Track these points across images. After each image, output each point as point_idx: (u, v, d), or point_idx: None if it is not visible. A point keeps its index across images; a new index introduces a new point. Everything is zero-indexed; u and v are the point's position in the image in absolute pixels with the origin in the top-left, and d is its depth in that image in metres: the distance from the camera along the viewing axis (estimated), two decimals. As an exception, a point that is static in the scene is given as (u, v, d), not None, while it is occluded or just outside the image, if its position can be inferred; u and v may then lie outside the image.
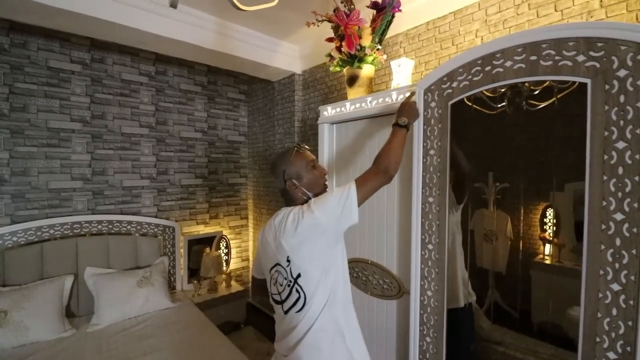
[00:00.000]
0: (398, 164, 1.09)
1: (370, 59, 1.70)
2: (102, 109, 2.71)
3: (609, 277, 0.84)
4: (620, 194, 0.83)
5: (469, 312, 1.33)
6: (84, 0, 1.80)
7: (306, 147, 1.16)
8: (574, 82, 0.93)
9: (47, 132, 2.46)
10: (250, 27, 2.49)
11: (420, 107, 1.27)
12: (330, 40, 1.81)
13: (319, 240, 0.99)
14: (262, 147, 3.36)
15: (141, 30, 2.02)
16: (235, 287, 3.23)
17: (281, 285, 1.04)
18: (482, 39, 1.67)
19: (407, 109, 1.22)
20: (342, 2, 1.78)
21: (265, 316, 3.23)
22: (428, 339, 1.26)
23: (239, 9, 0.89)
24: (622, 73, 0.82)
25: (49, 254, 2.38)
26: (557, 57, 0.92)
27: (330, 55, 1.78)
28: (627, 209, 0.82)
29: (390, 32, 2.09)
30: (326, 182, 1.17)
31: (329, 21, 1.73)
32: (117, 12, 1.92)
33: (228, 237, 3.39)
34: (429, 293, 1.25)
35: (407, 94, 1.37)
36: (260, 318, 3.23)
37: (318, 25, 1.75)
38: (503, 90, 1.15)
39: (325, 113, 1.83)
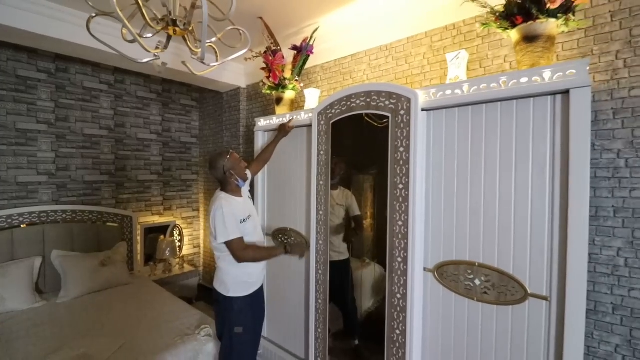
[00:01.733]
0: (251, 261, 1.83)
1: (291, 86, 2.38)
2: (66, 112, 3.08)
3: (399, 227, 1.59)
4: (401, 174, 1.58)
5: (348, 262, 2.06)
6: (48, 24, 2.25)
7: (234, 151, 1.84)
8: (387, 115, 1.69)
9: (16, 133, 2.80)
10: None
11: (315, 124, 1.98)
12: (263, 69, 2.47)
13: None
14: (212, 148, 3.91)
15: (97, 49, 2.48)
16: (188, 268, 3.74)
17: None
18: (367, 76, 2.45)
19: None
20: (271, 43, 2.46)
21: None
22: (320, 277, 1.97)
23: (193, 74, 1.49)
24: (402, 112, 1.59)
25: (18, 239, 2.73)
26: (378, 100, 1.68)
27: (262, 81, 2.44)
28: (403, 181, 1.58)
29: (311, 64, 2.81)
30: (245, 170, 1.92)
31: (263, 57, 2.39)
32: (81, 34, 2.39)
33: (181, 226, 3.88)
34: (321, 243, 1.96)
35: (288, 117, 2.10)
36: (210, 295, 3.76)
37: (253, 60, 2.40)
38: (360, 114, 1.89)
39: (259, 123, 2.48)
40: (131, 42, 1.14)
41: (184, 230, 3.92)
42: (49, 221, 2.93)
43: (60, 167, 3.06)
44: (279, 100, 2.43)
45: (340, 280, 2.01)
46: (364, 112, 1.74)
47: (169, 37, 1.26)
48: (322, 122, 1.96)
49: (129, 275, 3.08)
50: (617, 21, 1.53)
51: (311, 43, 2.40)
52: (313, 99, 2.33)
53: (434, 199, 1.56)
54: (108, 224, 3.28)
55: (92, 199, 3.25)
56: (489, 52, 1.87)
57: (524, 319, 1.31)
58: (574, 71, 1.17)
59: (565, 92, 1.20)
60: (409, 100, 1.57)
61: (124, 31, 1.17)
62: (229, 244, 1.72)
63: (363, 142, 1.89)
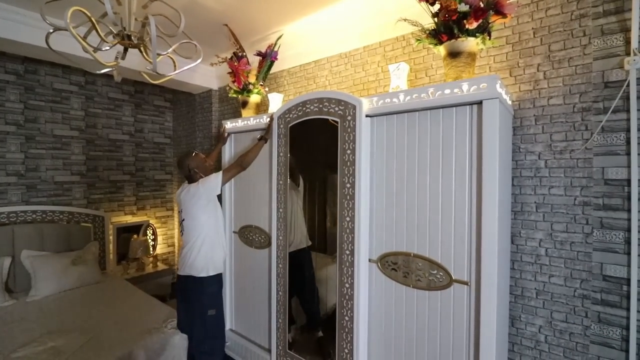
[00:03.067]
0: (251, 162, 2.13)
1: (256, 90, 2.50)
2: (35, 114, 3.11)
3: (347, 222, 1.74)
4: (348, 175, 1.73)
5: (309, 251, 2.20)
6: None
7: (198, 152, 2.01)
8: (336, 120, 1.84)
9: (-17, 134, 2.82)
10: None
11: (275, 127, 2.11)
12: (229, 74, 2.58)
13: (199, 201, 1.91)
14: (185, 149, 3.98)
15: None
16: (162, 267, 3.81)
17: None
18: (329, 81, 2.59)
19: (269, 130, 2.14)
20: (237, 48, 2.57)
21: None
22: (280, 271, 2.10)
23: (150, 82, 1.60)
24: (349, 117, 1.74)
25: (-14, 239, 2.75)
26: (329, 106, 1.82)
27: (228, 85, 2.55)
28: (350, 180, 1.73)
29: (279, 69, 2.93)
30: (212, 169, 2.10)
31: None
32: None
33: (155, 225, 3.94)
34: (280, 238, 2.10)
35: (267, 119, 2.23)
36: (185, 292, 3.84)
37: (220, 65, 2.51)
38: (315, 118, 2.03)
39: (226, 125, 2.59)
40: (95, 50, 1.23)
41: (157, 230, 3.98)
42: (19, 221, 2.95)
43: (30, 167, 3.08)
44: (244, 104, 2.54)
45: (301, 271, 2.16)
46: (317, 117, 1.88)
47: (125, 49, 1.36)
48: (282, 126, 2.09)
49: (100, 274, 3.13)
50: (538, 37, 1.72)
51: (276, 49, 2.53)
52: (276, 102, 2.46)
53: (377, 196, 1.71)
54: (79, 224, 3.31)
55: (63, 200, 3.28)
56: (433, 63, 2.04)
57: (450, 302, 1.48)
58: (486, 84, 1.34)
59: (479, 103, 1.37)
60: (354, 107, 1.71)
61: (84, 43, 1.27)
62: (227, 170, 2.08)
63: (319, 144, 2.04)
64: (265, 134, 2.19)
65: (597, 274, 1.52)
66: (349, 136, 1.74)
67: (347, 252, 1.75)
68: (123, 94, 3.71)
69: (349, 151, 1.74)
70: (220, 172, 2.04)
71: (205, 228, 2.06)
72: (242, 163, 2.09)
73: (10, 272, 2.82)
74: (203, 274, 2.03)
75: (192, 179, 2.11)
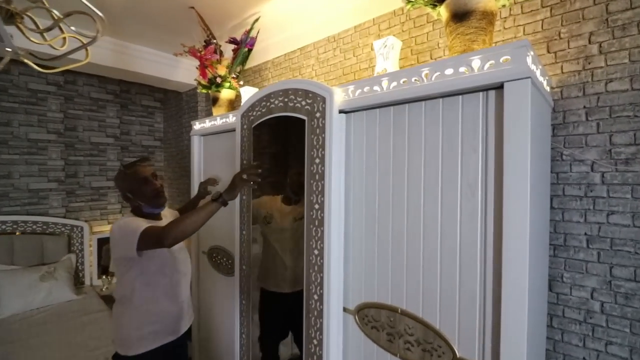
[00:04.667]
0: (183, 238, 1.19)
1: (227, 85, 2.09)
2: (8, 116, 2.87)
3: (315, 257, 1.28)
4: (317, 192, 1.27)
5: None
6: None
7: (142, 163, 1.40)
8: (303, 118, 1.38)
9: (-55, 138, 2.60)
10: (149, 46, 2.80)
11: (238, 128, 1.68)
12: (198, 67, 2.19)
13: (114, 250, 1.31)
14: (174, 152, 3.65)
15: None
16: (148, 281, 3.49)
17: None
18: (315, 71, 2.13)
19: (236, 184, 1.31)
20: (207, 35, 2.17)
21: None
22: (243, 308, 1.67)
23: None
24: (317, 114, 1.28)
25: (-53, 253, 2.53)
26: (295, 100, 1.37)
27: (195, 79, 2.16)
28: (319, 200, 1.27)
29: (262, 60, 2.51)
30: (160, 194, 1.39)
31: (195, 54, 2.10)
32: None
33: (142, 235, 3.63)
34: (244, 268, 1.67)
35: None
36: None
37: (186, 56, 2.12)
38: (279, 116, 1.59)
39: (195, 127, 2.19)
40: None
41: (146, 240, 3.67)
42: (-15, 233, 2.72)
43: (1, 174, 2.85)
44: (214, 101, 2.14)
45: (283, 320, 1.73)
46: (282, 114, 1.44)
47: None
48: (245, 127, 1.66)
49: (73, 291, 2.84)
50: (590, -6, 1.19)
51: (252, 35, 2.11)
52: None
53: (355, 222, 1.24)
54: (55, 235, 3.05)
55: (37, 209, 3.03)
56: (440, 40, 1.54)
57: (453, 388, 0.98)
58: (509, 57, 0.84)
59: (499, 87, 0.87)
60: (324, 100, 1.25)
61: None
62: (144, 236, 1.20)
63: (288, 150, 1.59)
64: (229, 189, 1.31)
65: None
66: (318, 140, 1.28)
67: (315, 297, 1.29)
68: (107, 94, 3.44)
69: (317, 160, 1.28)
70: (139, 234, 1.20)
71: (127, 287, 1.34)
72: (169, 235, 1.15)
73: (-26, 288, 2.58)
74: (130, 352, 1.33)
75: (131, 206, 1.43)
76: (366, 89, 1.16)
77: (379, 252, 1.16)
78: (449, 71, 0.95)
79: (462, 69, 0.92)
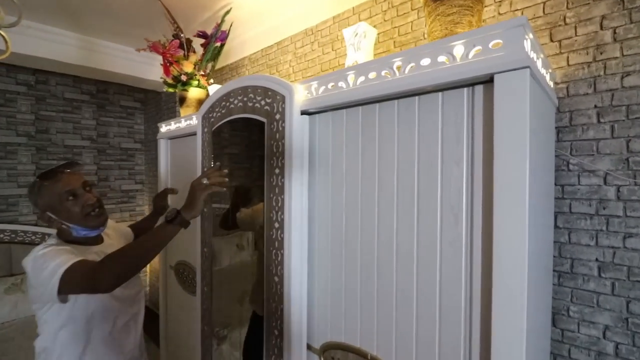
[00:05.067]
0: (126, 279, 0.88)
1: (194, 83, 1.89)
2: (-30, 118, 2.69)
3: (274, 285, 1.08)
4: (276, 208, 1.07)
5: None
6: None
7: (67, 169, 1.04)
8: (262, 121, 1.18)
9: None
10: (121, 43, 2.61)
11: (199, 132, 1.48)
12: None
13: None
14: (154, 155, 3.46)
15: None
16: (126, 291, 3.30)
17: None
18: (293, 68, 1.94)
19: (198, 193, 0.95)
20: (175, 29, 1.97)
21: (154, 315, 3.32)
22: (207, 331, 1.47)
23: None
24: (277, 116, 1.08)
25: None
26: (254, 100, 1.17)
27: (161, 77, 1.96)
28: (279, 218, 1.07)
29: (239, 56, 2.32)
30: (93, 211, 1.05)
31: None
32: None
33: (122, 243, 3.44)
34: (206, 289, 1.47)
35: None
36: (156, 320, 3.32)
37: (149, 51, 1.92)
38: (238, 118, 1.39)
39: (161, 129, 2.00)
40: None
41: (126, 248, 3.48)
42: (-54, 243, 2.54)
43: (-36, 180, 2.67)
44: (182, 101, 1.94)
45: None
46: (241, 115, 1.24)
47: None
48: (206, 130, 1.46)
49: (41, 305, 2.66)
50: (602, -30, 0.98)
51: (223, 29, 1.91)
52: (219, 98, 1.83)
53: (320, 247, 1.04)
54: (25, 243, 2.86)
55: (6, 216, 2.84)
56: (425, 30, 1.34)
57: None
58: (501, 41, 0.64)
59: (488, 81, 0.67)
60: (283, 99, 1.05)
61: None
62: (68, 277, 0.87)
63: (252, 156, 1.39)
64: (187, 203, 0.96)
65: None
66: (277, 146, 1.08)
67: (276, 332, 1.09)
68: (82, 94, 3.24)
69: (277, 170, 1.08)
70: (66, 266, 0.88)
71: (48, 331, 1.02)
72: (98, 276, 0.86)
73: None
74: None
75: (58, 230, 1.06)
76: (330, 85, 0.96)
77: (347, 283, 0.96)
78: (425, 61, 0.74)
79: (441, 58, 0.72)
